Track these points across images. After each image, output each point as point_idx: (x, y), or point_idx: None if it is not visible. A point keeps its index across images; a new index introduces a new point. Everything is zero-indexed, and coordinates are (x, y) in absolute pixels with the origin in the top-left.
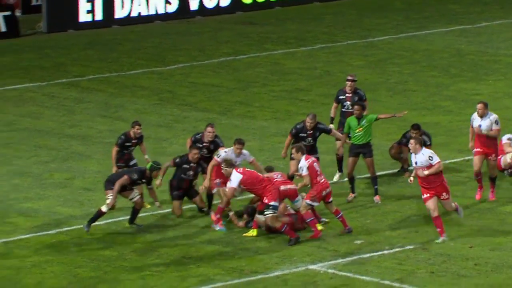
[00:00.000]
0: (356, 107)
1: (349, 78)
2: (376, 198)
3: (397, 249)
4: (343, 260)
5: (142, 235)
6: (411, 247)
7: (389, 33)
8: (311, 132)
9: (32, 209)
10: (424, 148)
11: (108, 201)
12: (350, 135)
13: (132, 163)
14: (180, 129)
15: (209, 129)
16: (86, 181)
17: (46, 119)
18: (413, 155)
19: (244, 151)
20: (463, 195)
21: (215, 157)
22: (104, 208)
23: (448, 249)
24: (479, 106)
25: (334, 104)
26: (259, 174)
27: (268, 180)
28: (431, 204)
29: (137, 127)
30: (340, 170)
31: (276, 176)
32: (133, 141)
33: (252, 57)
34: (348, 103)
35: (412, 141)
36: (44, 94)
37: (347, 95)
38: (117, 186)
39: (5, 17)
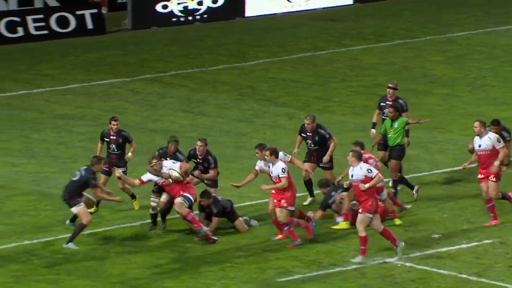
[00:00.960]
0: (389, 109)
1: (390, 85)
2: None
3: (474, 243)
4: (420, 254)
5: (222, 227)
6: (488, 241)
7: (468, 28)
8: (311, 134)
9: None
10: (360, 162)
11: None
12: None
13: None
14: (260, 124)
15: (198, 143)
16: None
17: (130, 114)
18: (350, 168)
19: (280, 154)
20: None
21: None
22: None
23: None
24: (475, 124)
25: (377, 111)
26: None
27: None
28: (373, 221)
29: (113, 122)
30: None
31: (371, 161)
32: (112, 137)
33: (331, 52)
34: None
35: (350, 153)
36: (128, 89)
37: (387, 102)
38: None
39: (92, 14)
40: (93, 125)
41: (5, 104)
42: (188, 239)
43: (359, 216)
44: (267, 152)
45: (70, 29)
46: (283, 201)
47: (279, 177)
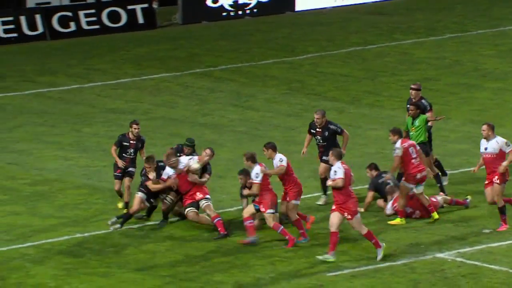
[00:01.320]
0: (411, 107)
1: (413, 87)
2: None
3: None
4: (471, 249)
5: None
6: None
7: None
8: (320, 130)
9: None
10: (338, 161)
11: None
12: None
13: (129, 169)
14: (309, 118)
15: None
16: (218, 169)
17: (180, 108)
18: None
19: (279, 156)
20: None
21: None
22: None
23: None
24: (483, 127)
25: (407, 112)
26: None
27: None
28: (332, 218)
29: (135, 126)
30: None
31: (411, 149)
32: (131, 141)
33: (381, 47)
34: None
35: (330, 152)
36: (178, 83)
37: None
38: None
39: (142, 9)
40: (143, 119)
41: (57, 98)
42: (237, 233)
43: (351, 222)
44: (244, 158)
45: (121, 23)
46: (261, 206)
47: (252, 182)
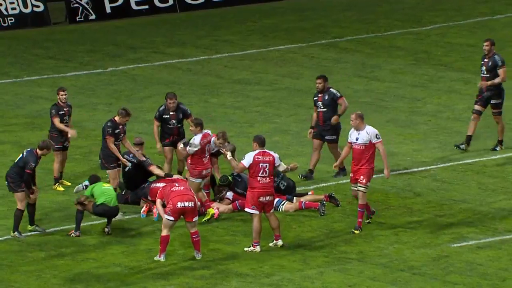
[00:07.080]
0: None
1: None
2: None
3: None
4: None
5: (396, 194)
6: None
7: None
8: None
9: None
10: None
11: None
12: None
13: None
14: (435, 89)
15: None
16: (341, 140)
17: (306, 79)
18: None
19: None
20: None
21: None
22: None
23: None
24: (352, 116)
25: None
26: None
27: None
28: None
29: (61, 92)
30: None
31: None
32: (65, 109)
33: (509, 16)
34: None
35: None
36: (304, 55)
37: (485, 60)
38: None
39: None
40: (269, 90)
41: (186, 70)
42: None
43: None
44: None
45: None
46: None
47: None
